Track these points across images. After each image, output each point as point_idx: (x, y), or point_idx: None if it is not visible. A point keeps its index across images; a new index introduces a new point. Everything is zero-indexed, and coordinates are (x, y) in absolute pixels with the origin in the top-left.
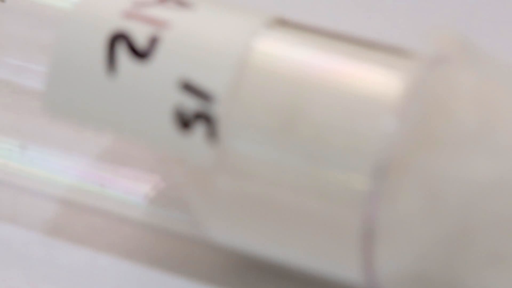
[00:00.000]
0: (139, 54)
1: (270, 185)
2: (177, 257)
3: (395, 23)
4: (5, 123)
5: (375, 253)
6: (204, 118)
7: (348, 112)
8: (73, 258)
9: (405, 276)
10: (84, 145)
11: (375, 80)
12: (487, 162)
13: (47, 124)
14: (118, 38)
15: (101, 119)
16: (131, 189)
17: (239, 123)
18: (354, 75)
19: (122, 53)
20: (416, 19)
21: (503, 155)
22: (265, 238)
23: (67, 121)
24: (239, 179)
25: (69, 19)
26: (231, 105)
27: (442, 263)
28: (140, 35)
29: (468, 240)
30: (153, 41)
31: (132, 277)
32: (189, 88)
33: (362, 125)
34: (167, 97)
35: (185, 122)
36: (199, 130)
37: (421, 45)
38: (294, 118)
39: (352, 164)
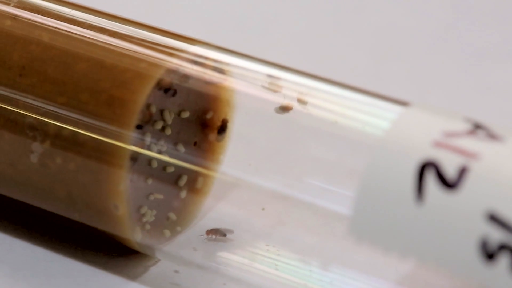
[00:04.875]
0: (448, 184)
1: None
2: None
3: None
4: (307, 244)
5: None
6: (509, 250)
7: None
8: None
9: None
10: (384, 270)
11: None
12: None
13: (350, 248)
14: (427, 167)
15: (405, 246)
16: None
17: None
18: None
19: (431, 182)
20: None
21: None
22: None
23: (371, 246)
24: None
25: (381, 146)
26: None
27: None
28: (450, 165)
29: None
30: (462, 172)
31: None
32: (495, 219)
33: None
34: (473, 228)
35: (489, 253)
36: (503, 261)
37: None
38: None
39: None
